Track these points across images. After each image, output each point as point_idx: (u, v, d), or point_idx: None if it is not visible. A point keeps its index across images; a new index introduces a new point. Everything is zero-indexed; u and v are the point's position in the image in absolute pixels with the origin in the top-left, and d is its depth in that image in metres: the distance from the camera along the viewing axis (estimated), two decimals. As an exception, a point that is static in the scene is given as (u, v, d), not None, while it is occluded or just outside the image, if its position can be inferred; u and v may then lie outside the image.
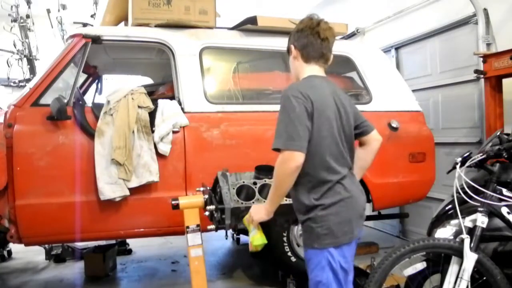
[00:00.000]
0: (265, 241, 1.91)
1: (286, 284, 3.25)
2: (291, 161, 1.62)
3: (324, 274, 1.70)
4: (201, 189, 2.45)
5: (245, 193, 2.32)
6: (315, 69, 1.82)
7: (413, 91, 3.79)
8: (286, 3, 6.29)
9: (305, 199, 1.72)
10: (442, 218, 2.46)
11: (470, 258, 2.05)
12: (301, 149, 1.62)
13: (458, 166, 2.21)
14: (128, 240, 4.53)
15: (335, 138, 1.73)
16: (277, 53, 3.42)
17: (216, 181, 2.40)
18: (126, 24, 3.51)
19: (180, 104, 3.04)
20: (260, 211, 1.83)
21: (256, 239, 1.90)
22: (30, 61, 6.51)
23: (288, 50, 1.89)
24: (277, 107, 3.15)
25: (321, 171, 1.70)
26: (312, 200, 1.71)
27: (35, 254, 4.37)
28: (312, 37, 1.78)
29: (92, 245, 4.03)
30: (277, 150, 1.66)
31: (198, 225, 2.33)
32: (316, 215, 1.70)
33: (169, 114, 2.95)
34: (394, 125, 3.31)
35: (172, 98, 3.11)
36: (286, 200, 2.29)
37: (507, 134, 2.37)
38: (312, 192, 1.71)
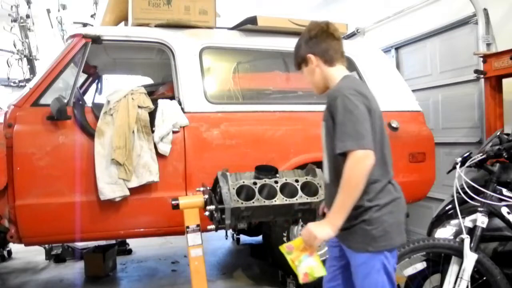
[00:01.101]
0: (325, 272, 1.68)
1: (286, 284, 3.25)
2: (367, 159, 1.53)
3: (380, 277, 1.63)
4: (201, 189, 2.45)
5: (245, 193, 2.32)
6: (343, 70, 1.77)
7: (413, 91, 3.79)
8: (286, 3, 6.29)
9: (357, 201, 1.59)
10: (442, 218, 2.47)
11: (470, 258, 2.05)
12: (372, 146, 1.55)
13: (458, 166, 2.21)
14: (128, 240, 4.53)
15: (385, 136, 1.70)
16: (277, 53, 3.42)
17: (216, 181, 2.40)
18: (126, 24, 3.51)
19: (180, 104, 3.04)
20: (323, 228, 1.58)
21: (317, 270, 1.64)
22: (30, 61, 6.51)
23: (301, 62, 1.81)
24: (276, 107, 3.21)
25: (376, 170, 1.61)
26: (366, 201, 1.62)
27: (35, 254, 4.37)
28: (329, 40, 1.75)
29: (92, 245, 4.03)
30: (342, 154, 1.55)
31: (198, 225, 2.33)
32: (371, 216, 1.61)
33: (169, 114, 2.95)
34: (394, 125, 3.31)
35: (172, 98, 3.11)
36: (286, 200, 2.30)
37: (507, 134, 2.37)
38: (364, 194, 1.59)
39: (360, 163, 1.53)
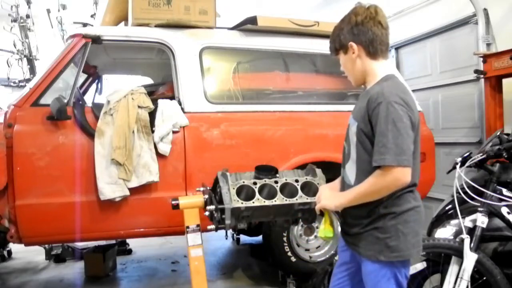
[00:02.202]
0: (332, 235, 1.75)
1: (286, 284, 3.25)
2: (403, 179, 1.45)
3: (390, 287, 1.55)
4: (201, 189, 2.45)
5: (245, 193, 2.31)
6: (385, 65, 1.62)
7: (413, 91, 3.80)
8: (286, 3, 6.29)
9: (371, 206, 1.54)
10: (442, 218, 2.47)
11: (470, 258, 2.05)
12: (411, 163, 1.46)
13: (458, 166, 2.21)
14: (128, 240, 4.53)
15: (418, 146, 1.58)
16: (277, 53, 3.42)
17: (216, 181, 2.39)
18: (126, 24, 3.51)
19: (180, 104, 3.04)
20: (331, 199, 1.62)
21: (321, 231, 1.77)
22: (30, 61, 6.52)
23: (339, 49, 1.66)
24: (276, 107, 3.21)
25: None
26: (381, 208, 1.53)
27: (35, 254, 4.37)
28: (376, 28, 1.56)
29: (92, 245, 4.03)
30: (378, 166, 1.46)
31: (198, 225, 2.33)
32: (384, 224, 1.53)
33: (169, 114, 2.95)
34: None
35: (172, 98, 3.11)
36: (286, 200, 2.30)
37: (507, 134, 2.38)
38: (380, 199, 1.53)
39: (395, 182, 1.46)
